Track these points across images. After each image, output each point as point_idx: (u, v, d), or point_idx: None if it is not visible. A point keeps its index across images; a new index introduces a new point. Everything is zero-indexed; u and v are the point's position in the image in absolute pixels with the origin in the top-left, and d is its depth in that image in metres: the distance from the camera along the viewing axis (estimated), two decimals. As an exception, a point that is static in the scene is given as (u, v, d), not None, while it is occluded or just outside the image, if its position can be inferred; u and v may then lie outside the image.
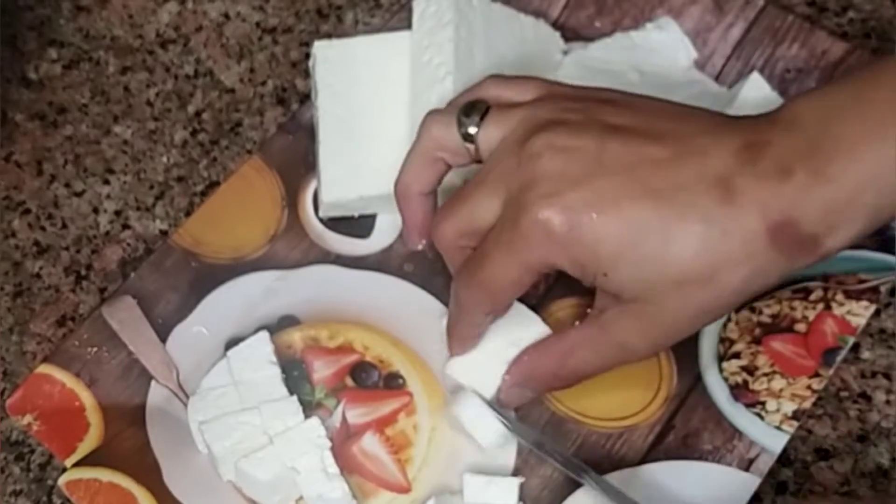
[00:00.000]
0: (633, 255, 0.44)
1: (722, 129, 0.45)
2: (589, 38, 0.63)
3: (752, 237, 0.43)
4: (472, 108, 0.49)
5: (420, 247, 0.56)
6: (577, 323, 0.53)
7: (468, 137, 0.49)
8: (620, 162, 0.45)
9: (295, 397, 0.52)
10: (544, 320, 0.52)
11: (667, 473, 0.52)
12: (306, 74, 0.63)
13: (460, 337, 0.52)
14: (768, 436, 0.53)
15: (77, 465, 0.52)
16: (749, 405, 0.54)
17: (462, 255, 0.49)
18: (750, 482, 0.52)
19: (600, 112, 0.47)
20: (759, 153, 0.44)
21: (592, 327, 0.48)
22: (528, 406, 0.53)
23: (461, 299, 0.50)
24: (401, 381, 0.55)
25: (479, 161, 0.50)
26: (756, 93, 0.59)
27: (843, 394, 0.55)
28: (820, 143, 0.43)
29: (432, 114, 0.51)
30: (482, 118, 0.49)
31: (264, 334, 0.54)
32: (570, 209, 0.44)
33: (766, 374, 0.54)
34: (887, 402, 0.54)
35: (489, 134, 0.49)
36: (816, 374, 0.54)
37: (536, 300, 0.56)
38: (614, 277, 0.45)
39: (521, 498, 0.51)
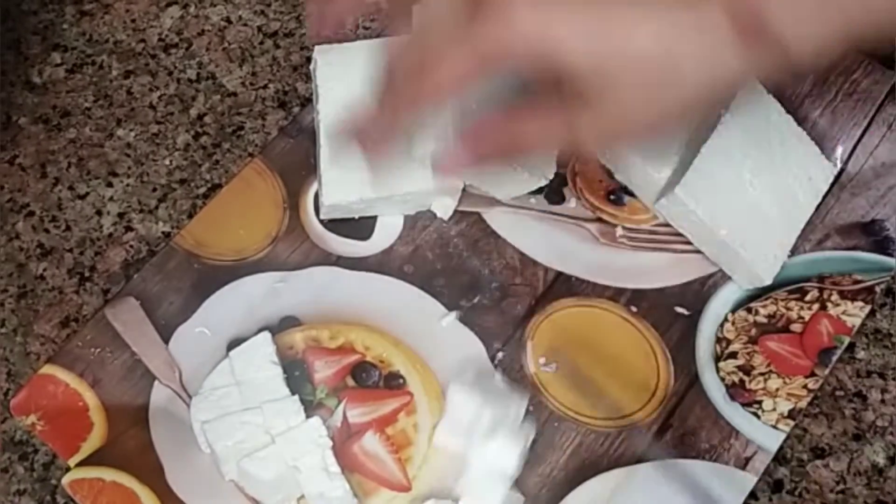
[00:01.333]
0: (599, 48, 0.43)
1: None
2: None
3: (715, 30, 0.43)
4: None
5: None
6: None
7: None
8: None
9: (296, 397, 0.53)
10: (541, 321, 0.53)
11: (664, 472, 0.53)
12: (307, 78, 0.63)
13: (382, 135, 0.50)
14: (765, 435, 0.53)
15: (80, 464, 0.53)
16: (745, 404, 0.54)
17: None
18: (746, 480, 0.52)
19: None
20: None
21: (550, 114, 0.47)
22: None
23: (413, 99, 0.47)
24: (401, 380, 0.55)
25: None
26: (752, 97, 0.59)
27: (839, 393, 0.55)
28: None
29: None
30: None
31: (266, 335, 0.55)
32: (541, 4, 0.43)
33: (762, 374, 0.55)
34: (882, 401, 0.55)
35: None
36: (812, 374, 0.55)
37: (535, 300, 0.56)
38: (580, 73, 0.44)
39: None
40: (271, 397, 0.53)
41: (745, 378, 0.55)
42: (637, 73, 0.43)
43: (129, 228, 0.60)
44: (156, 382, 0.55)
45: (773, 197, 0.57)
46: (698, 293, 0.57)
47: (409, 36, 0.47)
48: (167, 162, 0.62)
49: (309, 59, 0.60)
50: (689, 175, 0.55)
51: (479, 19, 0.44)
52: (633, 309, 0.56)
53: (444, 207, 0.59)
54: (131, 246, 0.60)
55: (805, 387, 0.54)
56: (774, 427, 0.53)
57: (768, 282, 0.56)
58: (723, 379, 0.55)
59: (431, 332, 0.56)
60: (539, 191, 0.60)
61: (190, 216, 0.60)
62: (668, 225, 0.58)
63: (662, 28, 0.43)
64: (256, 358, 0.54)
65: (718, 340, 0.56)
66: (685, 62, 0.43)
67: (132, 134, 0.63)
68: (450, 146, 0.50)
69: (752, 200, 0.56)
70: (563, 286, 0.57)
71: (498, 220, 0.59)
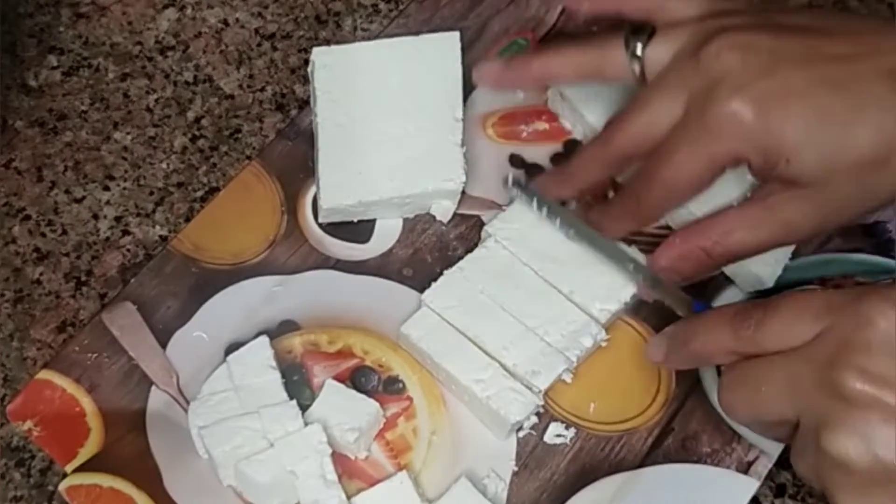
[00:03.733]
0: (817, 140, 0.46)
1: (890, 27, 0.48)
2: (586, 43, 0.63)
3: None
4: (638, 28, 0.51)
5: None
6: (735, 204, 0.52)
7: (636, 57, 0.50)
8: (799, 56, 0.47)
9: (294, 402, 0.52)
10: None
11: (666, 476, 0.52)
12: (305, 80, 0.63)
13: (621, 230, 0.54)
14: (767, 439, 0.53)
15: (77, 470, 0.53)
16: (747, 408, 0.54)
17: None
18: (749, 485, 0.52)
19: (771, 17, 0.49)
20: None
21: (755, 208, 0.49)
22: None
23: (642, 201, 0.51)
24: (400, 385, 0.55)
25: (643, 82, 0.51)
26: None
27: (842, 396, 0.55)
28: None
29: (597, 36, 0.53)
30: (649, 38, 0.50)
31: (264, 339, 0.55)
32: (759, 99, 0.46)
33: (764, 377, 0.54)
34: (885, 404, 0.54)
35: (658, 53, 0.50)
36: (814, 377, 0.54)
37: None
38: (796, 163, 0.47)
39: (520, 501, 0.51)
40: (269, 402, 0.52)
41: (747, 381, 0.54)
42: (856, 167, 0.46)
43: (126, 232, 0.60)
44: (153, 387, 0.55)
45: None
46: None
47: (631, 107, 0.51)
48: (164, 165, 0.62)
49: (307, 62, 0.60)
50: None
51: (709, 122, 0.47)
52: (635, 312, 0.56)
53: (443, 210, 0.59)
54: (128, 250, 0.59)
55: (807, 390, 0.54)
56: (776, 431, 0.53)
57: (769, 285, 0.56)
58: (724, 382, 0.54)
59: (431, 336, 0.56)
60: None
61: (187, 220, 0.60)
62: (668, 228, 0.57)
63: (879, 119, 0.46)
64: (254, 362, 0.54)
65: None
66: (893, 154, 0.46)
67: (129, 137, 0.62)
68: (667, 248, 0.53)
69: None
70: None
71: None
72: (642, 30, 0.51)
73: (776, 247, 0.52)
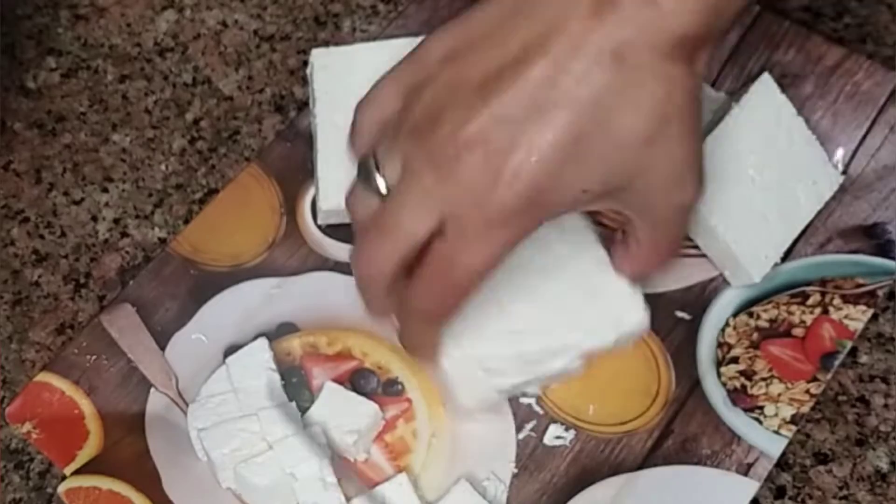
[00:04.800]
0: (577, 155, 0.43)
1: (555, 12, 0.43)
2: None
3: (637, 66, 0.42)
4: (362, 169, 0.47)
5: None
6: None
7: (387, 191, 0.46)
8: (520, 105, 0.43)
9: (294, 404, 0.52)
10: None
11: (665, 478, 0.52)
12: (304, 82, 0.63)
13: (427, 355, 0.51)
14: (767, 440, 0.53)
15: (76, 473, 0.52)
16: (747, 410, 0.54)
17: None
18: (749, 487, 0.52)
19: (460, 81, 0.44)
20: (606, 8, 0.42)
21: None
22: (527, 412, 0.54)
23: (430, 310, 0.47)
24: (399, 387, 0.55)
25: None
26: (765, 95, 0.59)
27: (842, 398, 0.55)
28: None
29: (351, 196, 0.49)
30: (377, 164, 0.46)
31: (263, 341, 0.54)
32: (519, 171, 0.42)
33: (764, 379, 0.54)
34: (885, 405, 0.54)
35: (392, 170, 0.46)
36: (814, 379, 0.54)
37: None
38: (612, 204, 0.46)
39: (520, 504, 0.51)
40: (269, 404, 0.52)
41: (747, 383, 0.54)
42: (635, 160, 0.44)
43: (124, 234, 0.60)
44: (152, 390, 0.54)
45: (774, 196, 0.56)
46: (699, 297, 0.56)
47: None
48: (163, 167, 0.62)
49: (305, 63, 0.60)
50: None
51: (495, 213, 0.43)
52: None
53: (442, 212, 0.58)
54: (127, 252, 0.59)
55: (807, 392, 0.54)
56: (776, 432, 0.53)
57: (757, 280, 0.55)
58: (724, 384, 0.54)
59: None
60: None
61: (186, 222, 0.60)
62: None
63: (631, 103, 0.43)
64: (253, 365, 0.54)
65: (720, 345, 0.55)
66: (670, 121, 0.44)
67: (127, 139, 0.62)
68: None
69: (751, 197, 0.56)
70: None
71: (497, 224, 0.58)
72: (365, 168, 0.47)
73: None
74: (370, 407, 0.53)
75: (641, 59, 0.42)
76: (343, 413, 0.52)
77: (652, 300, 0.55)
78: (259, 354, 0.54)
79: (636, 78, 0.42)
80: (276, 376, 0.53)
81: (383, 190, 0.46)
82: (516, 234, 0.44)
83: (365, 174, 0.46)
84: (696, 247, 0.57)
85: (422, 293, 0.46)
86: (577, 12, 0.43)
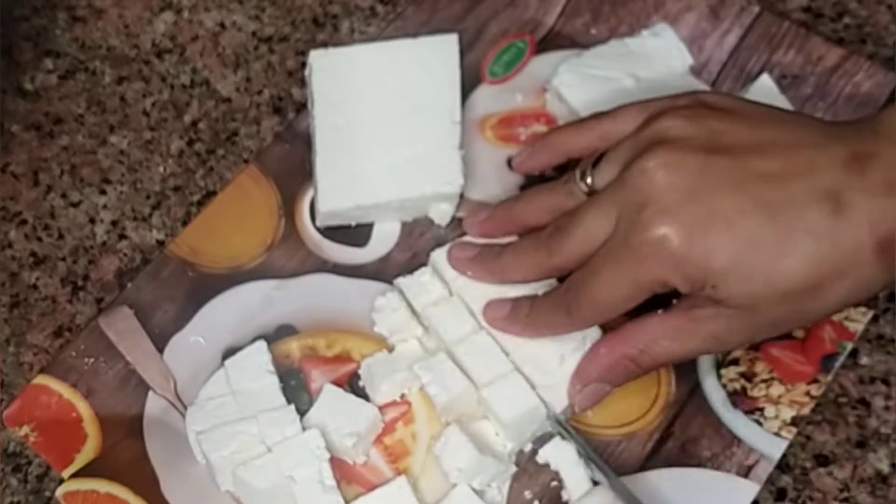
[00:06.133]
0: (743, 268, 0.45)
1: (826, 140, 0.46)
2: (585, 46, 0.63)
3: (859, 250, 0.44)
4: (586, 167, 0.51)
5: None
6: (659, 312, 0.50)
7: (586, 184, 0.51)
8: (729, 177, 0.46)
9: (292, 407, 0.52)
10: None
11: (666, 480, 0.52)
12: (302, 83, 0.63)
13: (541, 334, 0.53)
14: (767, 442, 0.53)
15: (74, 476, 0.52)
16: (748, 412, 0.54)
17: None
18: (749, 489, 0.52)
19: (703, 125, 0.48)
20: (866, 166, 0.44)
21: (681, 318, 0.48)
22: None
23: (572, 313, 0.50)
24: (399, 389, 0.55)
25: None
26: (764, 95, 0.59)
27: (842, 400, 0.54)
28: None
29: (549, 189, 0.53)
30: (596, 164, 0.50)
31: (261, 344, 0.54)
32: (685, 225, 0.45)
33: (764, 381, 0.54)
34: (886, 407, 0.54)
35: (602, 175, 0.50)
36: (815, 381, 0.54)
37: (534, 308, 0.56)
38: (723, 289, 0.46)
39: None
40: (267, 406, 0.52)
41: (747, 385, 0.54)
42: (785, 294, 0.45)
43: (122, 236, 0.60)
44: (150, 393, 0.54)
45: None
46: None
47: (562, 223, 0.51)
48: (161, 169, 0.61)
49: (304, 65, 0.60)
50: None
51: (633, 246, 0.46)
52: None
53: (441, 214, 0.58)
54: (125, 254, 0.59)
55: (808, 393, 0.54)
56: (777, 434, 0.53)
57: None
58: (724, 386, 0.54)
59: (429, 340, 0.55)
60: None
61: (184, 224, 0.60)
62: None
63: (811, 247, 0.44)
64: (252, 367, 0.53)
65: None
66: (829, 281, 0.45)
67: (125, 141, 0.62)
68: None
69: None
70: (562, 293, 0.56)
71: (496, 226, 0.58)
72: (588, 164, 0.51)
73: (705, 354, 0.53)
74: (369, 409, 0.52)
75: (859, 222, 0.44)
76: (342, 415, 0.52)
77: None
78: (257, 357, 0.54)
79: (844, 228, 0.44)
80: (275, 379, 0.53)
81: (590, 185, 0.51)
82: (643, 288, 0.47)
83: (581, 172, 0.51)
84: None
85: (574, 303, 0.50)
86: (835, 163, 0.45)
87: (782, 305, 0.46)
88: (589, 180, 0.50)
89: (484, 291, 0.54)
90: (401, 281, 0.56)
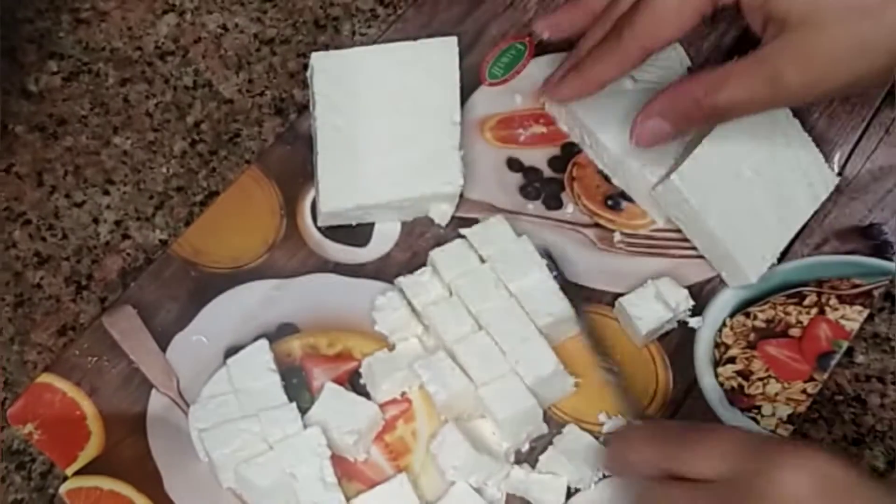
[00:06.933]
0: None
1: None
2: (583, 47, 0.63)
3: None
4: None
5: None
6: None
7: None
8: None
9: (294, 405, 0.53)
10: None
11: (663, 478, 0.52)
12: (304, 85, 0.63)
13: (590, 81, 0.53)
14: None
15: (78, 473, 0.53)
16: (744, 410, 0.54)
17: None
18: (746, 486, 0.52)
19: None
20: None
21: (749, 58, 0.48)
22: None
23: (623, 34, 0.50)
24: (399, 388, 0.55)
25: None
26: None
27: (838, 398, 0.55)
28: None
29: None
30: None
31: (263, 342, 0.55)
32: None
33: (761, 379, 0.55)
34: (881, 405, 0.54)
35: None
36: (811, 379, 0.55)
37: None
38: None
39: None
40: (269, 405, 0.53)
41: (744, 383, 0.55)
42: (846, 8, 0.45)
43: (126, 236, 0.60)
44: (153, 391, 0.55)
45: (771, 197, 0.56)
46: (697, 298, 0.56)
47: None
48: (164, 170, 0.62)
49: (305, 66, 0.60)
50: (687, 163, 0.55)
51: None
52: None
53: (441, 214, 0.59)
54: (128, 254, 0.59)
55: (804, 391, 0.54)
56: (774, 432, 0.53)
57: (754, 280, 0.56)
58: (722, 384, 0.55)
59: (429, 339, 0.56)
60: (537, 196, 0.60)
61: (187, 224, 0.60)
62: (665, 230, 0.58)
63: None
64: (254, 366, 0.54)
65: (717, 345, 0.55)
66: (890, 4, 0.44)
67: (129, 142, 0.63)
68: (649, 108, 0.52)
69: (748, 198, 0.56)
70: (561, 292, 0.57)
71: (495, 225, 0.59)
72: None
73: (768, 107, 0.51)
74: (370, 407, 0.53)
75: None
76: (343, 413, 0.52)
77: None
78: (259, 356, 0.54)
79: None
80: (277, 377, 0.54)
81: None
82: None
83: None
84: (694, 248, 0.58)
85: (627, 22, 0.50)
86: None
87: (841, 24, 0.45)
88: None
89: (483, 292, 0.54)
90: (401, 280, 0.56)
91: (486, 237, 0.56)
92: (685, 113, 0.51)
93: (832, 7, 0.45)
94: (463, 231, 0.57)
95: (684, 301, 0.55)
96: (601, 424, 0.54)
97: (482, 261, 0.56)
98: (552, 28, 0.58)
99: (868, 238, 0.58)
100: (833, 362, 0.55)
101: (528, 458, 0.53)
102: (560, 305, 0.54)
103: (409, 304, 0.55)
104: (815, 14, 0.46)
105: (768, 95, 0.49)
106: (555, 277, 0.55)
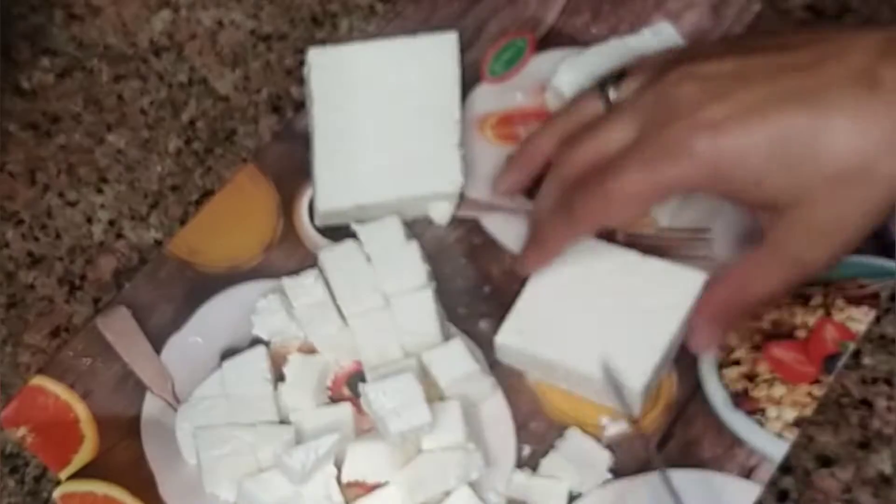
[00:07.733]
0: (783, 158, 0.45)
1: (857, 31, 0.46)
2: (585, 44, 0.63)
3: None
4: (606, 82, 0.52)
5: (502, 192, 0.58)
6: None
7: (606, 99, 0.52)
8: (762, 72, 0.45)
9: (292, 427, 0.51)
10: None
11: (667, 482, 0.52)
12: (301, 82, 0.63)
13: (546, 251, 0.52)
14: (769, 443, 0.52)
15: (72, 477, 0.52)
16: (749, 412, 0.53)
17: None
18: (751, 490, 0.51)
19: (736, 47, 0.49)
20: None
21: (763, 249, 0.48)
22: (525, 414, 0.53)
23: (575, 209, 0.50)
24: (398, 390, 0.54)
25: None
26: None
27: (844, 400, 0.54)
28: None
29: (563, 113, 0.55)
30: (619, 79, 0.51)
31: (262, 350, 0.54)
32: (716, 122, 0.45)
33: (766, 381, 0.54)
34: (888, 408, 0.54)
35: (624, 90, 0.51)
36: (817, 381, 0.54)
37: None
38: (769, 185, 0.45)
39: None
40: (259, 417, 0.52)
41: (749, 386, 0.54)
42: (834, 180, 0.45)
43: (120, 236, 0.59)
44: (148, 393, 0.54)
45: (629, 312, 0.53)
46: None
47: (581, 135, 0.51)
48: (159, 168, 0.61)
49: (302, 63, 0.60)
50: (510, 317, 0.53)
51: (664, 144, 0.46)
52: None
53: (440, 213, 0.58)
54: (122, 254, 0.59)
55: (810, 394, 0.54)
56: (779, 435, 0.53)
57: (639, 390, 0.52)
58: (726, 387, 0.54)
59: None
60: (537, 195, 0.59)
61: (182, 223, 0.59)
62: (668, 230, 0.57)
63: (850, 127, 0.44)
64: (249, 372, 0.53)
65: (721, 347, 0.55)
66: (876, 159, 0.44)
67: (123, 140, 0.62)
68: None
69: (603, 329, 0.53)
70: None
71: (495, 225, 0.58)
72: (615, 74, 0.52)
73: (800, 285, 0.51)
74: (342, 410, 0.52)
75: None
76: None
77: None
78: (256, 363, 0.53)
79: (882, 104, 0.43)
80: (270, 388, 0.53)
81: (611, 99, 0.52)
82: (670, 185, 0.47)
83: (606, 80, 0.53)
84: (700, 248, 0.57)
85: (580, 197, 0.50)
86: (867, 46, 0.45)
87: (836, 194, 0.45)
88: (610, 94, 0.51)
89: (358, 295, 0.54)
90: (286, 281, 0.55)
91: (375, 236, 0.56)
92: (728, 316, 0.51)
93: (818, 184, 0.45)
94: (355, 227, 0.56)
95: None
96: (603, 428, 0.53)
97: (368, 260, 0.55)
98: (511, 188, 0.58)
99: (875, 238, 0.57)
100: (839, 364, 0.54)
101: (529, 462, 0.52)
102: (428, 325, 0.53)
103: (291, 306, 0.54)
104: (804, 195, 0.46)
105: (795, 276, 0.49)
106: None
